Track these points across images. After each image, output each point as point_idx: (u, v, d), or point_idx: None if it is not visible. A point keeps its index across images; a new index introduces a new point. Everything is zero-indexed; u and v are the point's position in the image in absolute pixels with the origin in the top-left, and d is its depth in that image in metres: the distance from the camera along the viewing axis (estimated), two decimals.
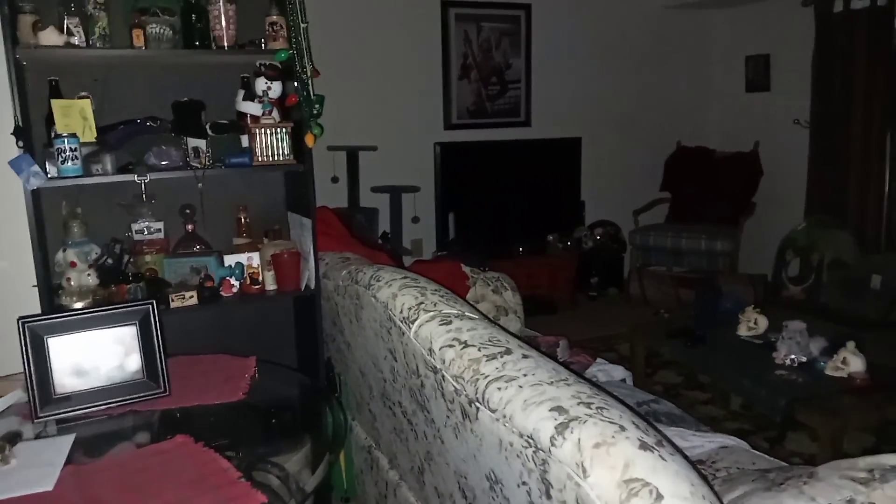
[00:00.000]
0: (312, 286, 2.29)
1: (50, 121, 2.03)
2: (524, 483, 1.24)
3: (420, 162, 4.53)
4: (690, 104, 5.33)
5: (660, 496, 0.99)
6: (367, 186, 4.32)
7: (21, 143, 1.90)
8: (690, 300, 3.95)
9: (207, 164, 2.16)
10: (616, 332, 3.99)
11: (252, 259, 2.32)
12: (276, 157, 2.23)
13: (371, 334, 1.97)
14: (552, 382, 1.26)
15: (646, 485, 1.00)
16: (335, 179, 4.24)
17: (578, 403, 1.17)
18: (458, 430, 1.49)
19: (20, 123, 1.90)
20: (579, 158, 4.86)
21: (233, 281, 2.26)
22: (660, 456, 1.05)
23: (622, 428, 1.09)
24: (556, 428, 1.11)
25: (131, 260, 2.22)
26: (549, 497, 1.16)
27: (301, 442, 1.53)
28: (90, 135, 2.05)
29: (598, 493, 1.02)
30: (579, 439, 1.07)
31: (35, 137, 2.04)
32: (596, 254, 4.82)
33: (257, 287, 2.28)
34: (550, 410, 1.15)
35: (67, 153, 1.96)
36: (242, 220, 2.42)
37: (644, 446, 1.05)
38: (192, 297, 2.16)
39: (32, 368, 1.51)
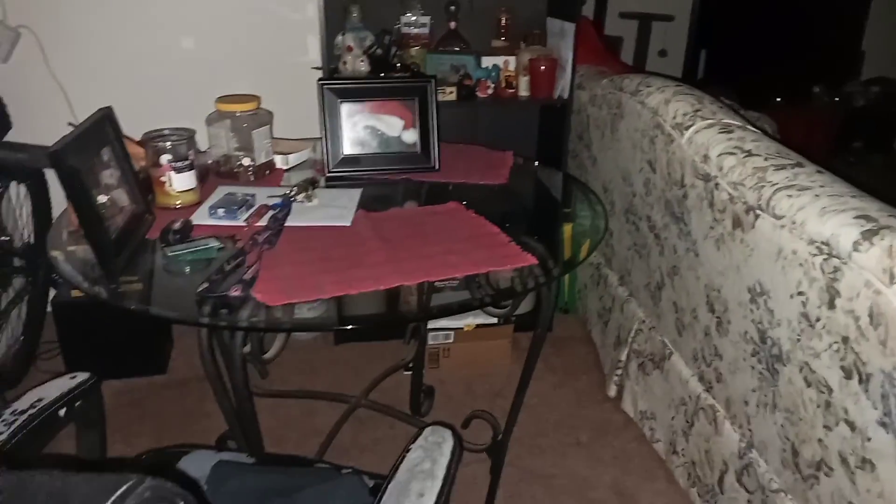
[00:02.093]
0: (566, 96, 2.26)
1: None
2: (800, 293, 1.18)
3: None
4: None
5: None
6: (614, 11, 4.06)
7: None
8: None
9: None
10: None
11: (508, 63, 2.32)
12: None
13: (627, 146, 1.92)
14: (854, 195, 1.16)
15: None
16: (582, 1, 4.02)
17: (889, 216, 1.06)
18: (721, 241, 1.45)
19: None
20: (868, 1, 4.14)
21: (489, 82, 2.29)
22: None
23: None
24: (861, 234, 1.03)
25: (398, 52, 2.32)
26: (831, 307, 1.10)
27: (558, 228, 1.58)
28: None
29: None
30: (891, 245, 0.98)
31: None
32: (866, 114, 4.22)
33: (511, 91, 2.30)
34: (856, 218, 1.07)
35: None
36: (503, 21, 2.40)
37: None
38: (451, 92, 2.23)
39: (327, 128, 1.67)
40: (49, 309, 2.28)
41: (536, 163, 1.95)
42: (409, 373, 2.06)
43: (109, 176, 1.26)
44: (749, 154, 1.38)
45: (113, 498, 0.42)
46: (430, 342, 2.24)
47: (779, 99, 4.13)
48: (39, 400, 1.04)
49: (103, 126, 1.25)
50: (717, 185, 1.43)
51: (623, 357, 2.12)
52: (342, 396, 1.90)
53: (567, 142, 2.33)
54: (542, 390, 2.20)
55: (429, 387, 2.11)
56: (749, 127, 1.54)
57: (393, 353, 2.28)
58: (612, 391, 2.17)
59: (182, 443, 1.92)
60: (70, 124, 1.52)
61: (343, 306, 1.15)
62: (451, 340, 2.27)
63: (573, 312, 2.65)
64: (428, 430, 0.99)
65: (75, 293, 2.12)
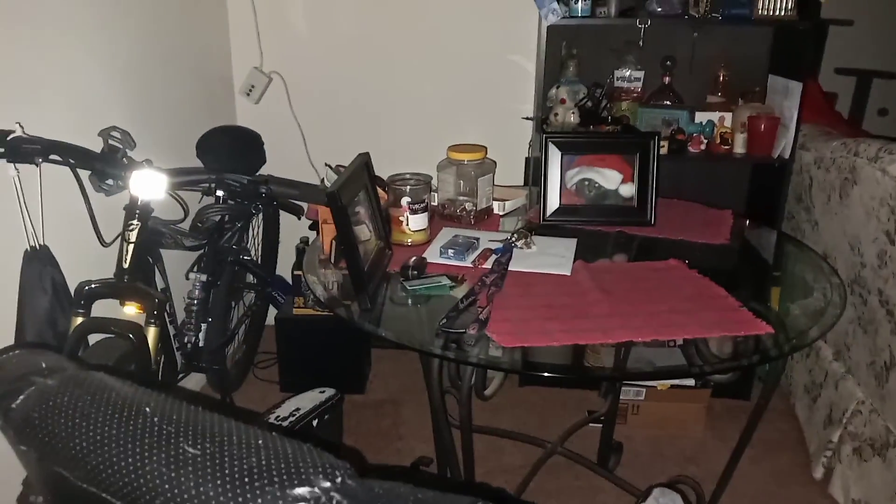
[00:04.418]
0: (787, 155, 2.16)
1: None
2: None
3: None
4: None
5: None
6: (829, 66, 3.82)
7: None
8: None
9: (706, 13, 2.12)
10: None
11: (724, 119, 2.28)
12: (777, 12, 2.08)
13: (860, 213, 1.81)
14: None
15: None
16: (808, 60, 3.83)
17: None
18: None
19: None
20: None
21: (702, 138, 2.26)
22: None
23: None
24: None
25: (608, 105, 2.36)
26: None
27: (790, 298, 1.51)
28: None
29: None
30: None
31: None
32: None
33: (726, 147, 2.24)
34: None
35: None
36: (721, 77, 2.36)
37: None
38: (663, 146, 2.23)
39: (547, 178, 1.74)
40: (271, 323, 2.53)
41: (748, 222, 1.88)
42: (599, 425, 2.04)
43: (362, 213, 1.41)
44: None
45: None
46: (620, 398, 2.21)
47: None
48: (297, 409, 1.18)
49: (362, 170, 1.40)
50: None
51: (835, 438, 1.95)
52: (538, 440, 1.93)
53: (784, 203, 2.22)
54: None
55: (618, 442, 2.08)
56: None
57: (575, 402, 2.28)
58: (819, 473, 2.00)
59: (379, 462, 2.05)
60: (327, 165, 1.72)
61: (533, 352, 1.18)
62: (641, 398, 2.22)
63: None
64: (658, 492, 0.98)
65: (297, 311, 2.34)
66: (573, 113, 2.32)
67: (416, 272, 1.39)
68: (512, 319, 1.24)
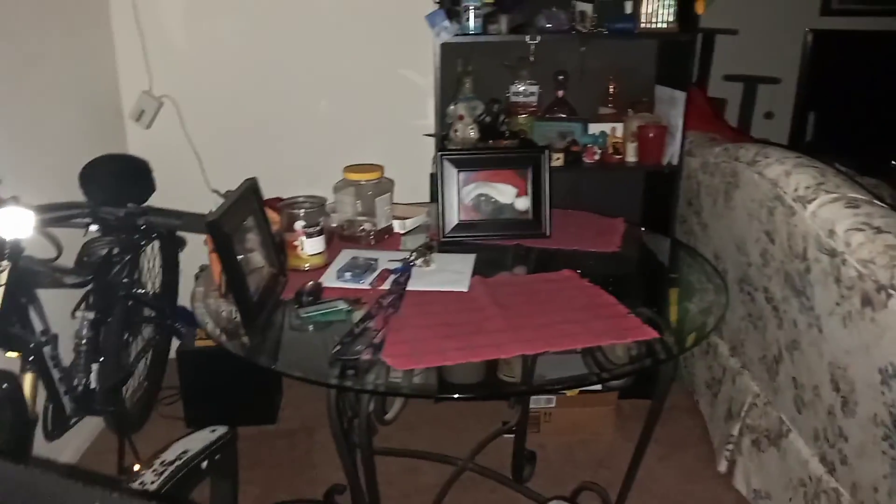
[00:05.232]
0: (675, 162, 2.26)
1: None
2: None
3: (785, 51, 4.07)
4: None
5: None
6: (718, 73, 4.03)
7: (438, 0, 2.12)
8: None
9: (591, 28, 2.19)
10: None
11: (616, 129, 2.35)
12: (659, 25, 2.17)
13: (742, 215, 1.90)
14: None
15: None
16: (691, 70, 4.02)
17: None
18: (849, 319, 1.40)
19: None
20: None
21: (596, 148, 2.32)
22: None
23: None
24: None
25: (506, 120, 2.40)
26: None
27: (677, 300, 1.57)
28: None
29: None
30: None
31: None
32: None
33: (618, 157, 2.32)
34: None
35: (471, 11, 2.13)
36: (611, 89, 2.45)
37: None
38: (558, 158, 2.28)
39: (443, 195, 1.75)
40: (173, 357, 2.43)
41: (643, 229, 1.95)
42: (511, 436, 2.05)
43: (252, 240, 1.37)
44: (879, 231, 1.34)
45: None
46: (532, 406, 2.23)
47: (894, 163, 3.94)
48: (185, 452, 1.12)
49: (249, 196, 1.36)
50: (844, 261, 1.39)
51: (735, 431, 2.04)
52: (449, 458, 1.92)
53: (676, 208, 2.32)
54: (647, 462, 2.10)
55: (531, 452, 2.10)
56: (876, 202, 1.49)
57: (490, 413, 2.29)
58: (723, 467, 2.08)
59: (292, 494, 1.99)
60: (214, 191, 1.66)
61: (447, 369, 1.18)
62: (552, 405, 2.26)
63: (678, 380, 2.58)
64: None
65: (199, 343, 2.26)
66: (472, 129, 2.34)
67: (310, 298, 1.36)
68: (407, 341, 1.23)
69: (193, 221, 1.35)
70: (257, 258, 1.40)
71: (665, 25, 2.17)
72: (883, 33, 3.97)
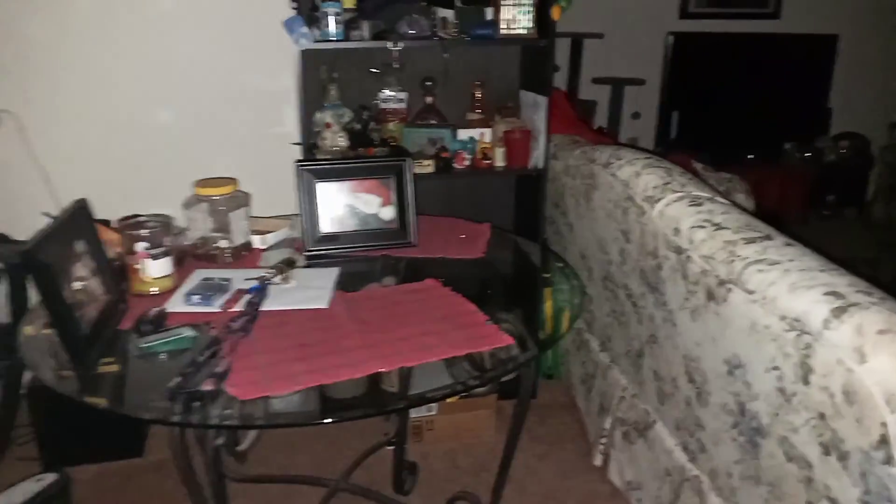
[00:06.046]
0: (541, 165, 2.30)
1: None
2: (775, 368, 1.19)
3: (648, 53, 4.26)
4: None
5: None
6: (587, 77, 4.18)
7: (295, 5, 2.05)
8: None
9: (453, 34, 2.19)
10: (852, 255, 3.61)
11: (484, 135, 2.37)
12: (519, 31, 2.21)
13: (601, 215, 1.95)
14: (824, 270, 1.18)
15: None
16: (556, 68, 4.12)
17: (857, 291, 1.08)
18: (696, 313, 1.46)
19: None
20: (832, 59, 4.30)
21: (465, 154, 2.33)
22: None
23: None
24: (831, 311, 1.04)
25: (376, 126, 2.37)
26: (806, 383, 1.11)
27: (536, 302, 1.59)
28: (350, 1, 2.16)
29: (876, 380, 0.95)
30: (861, 324, 1.00)
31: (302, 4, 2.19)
32: (837, 169, 4.32)
33: (487, 162, 2.34)
34: (825, 294, 1.08)
35: (331, 17, 2.08)
36: (477, 95, 2.46)
37: None
38: (429, 165, 2.27)
39: (305, 207, 1.69)
40: (23, 393, 2.23)
41: (505, 231, 1.97)
42: (392, 448, 2.02)
43: (83, 267, 1.26)
44: (719, 227, 1.41)
45: None
46: (413, 415, 2.21)
47: (751, 156, 4.23)
48: None
49: (77, 218, 1.25)
50: (689, 257, 1.45)
51: (607, 425, 2.10)
52: (321, 480, 1.86)
53: (543, 211, 2.36)
54: (527, 462, 2.17)
55: (412, 463, 2.08)
56: (718, 198, 1.57)
57: (375, 427, 2.25)
58: (598, 460, 2.14)
59: None
60: (45, 214, 1.53)
61: (322, 389, 1.13)
62: (434, 413, 2.24)
63: (558, 377, 2.64)
64: None
65: None
66: (341, 136, 2.29)
67: (151, 326, 1.27)
68: (256, 367, 1.16)
69: (4, 252, 1.23)
70: (92, 285, 1.29)
71: (525, 31, 2.21)
72: (735, 35, 4.25)
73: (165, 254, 1.44)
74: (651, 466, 1.84)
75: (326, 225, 1.71)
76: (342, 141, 2.29)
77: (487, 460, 2.18)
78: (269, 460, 2.18)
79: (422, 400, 1.33)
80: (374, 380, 1.15)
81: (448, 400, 2.23)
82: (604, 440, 2.11)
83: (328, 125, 2.29)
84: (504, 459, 1.52)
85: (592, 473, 2.12)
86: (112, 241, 1.45)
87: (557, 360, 2.64)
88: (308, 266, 1.63)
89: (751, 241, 1.32)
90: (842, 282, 1.12)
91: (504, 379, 2.15)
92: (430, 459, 2.18)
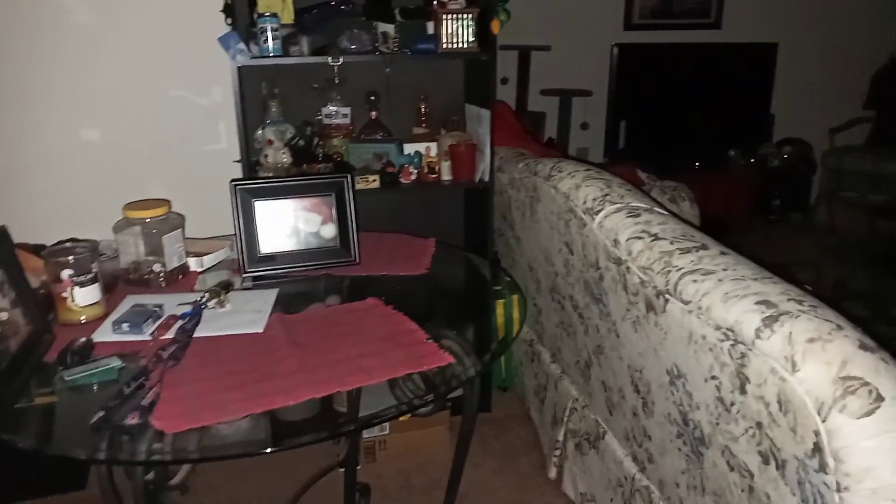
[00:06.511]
0: (487, 178, 2.30)
1: (252, 2, 2.13)
2: (713, 377, 1.19)
3: (594, 64, 4.33)
4: None
5: (880, 397, 0.91)
6: (535, 89, 4.22)
7: (230, 21, 2.01)
8: (888, 232, 3.56)
9: (395, 49, 2.18)
10: (796, 260, 3.70)
11: (430, 149, 2.36)
12: (460, 45, 2.20)
13: (546, 227, 1.95)
14: (756, 279, 1.19)
15: (865, 384, 0.92)
16: (504, 80, 4.16)
17: (788, 300, 1.09)
18: (638, 324, 1.46)
19: (230, 1, 2.00)
20: (773, 67, 4.43)
21: (411, 169, 2.31)
22: (881, 358, 0.96)
23: (839, 327, 1.01)
24: (762, 321, 1.05)
25: (320, 142, 2.34)
26: (743, 392, 1.11)
27: (479, 318, 1.57)
28: (288, 16, 2.13)
29: (807, 389, 0.96)
30: (791, 333, 1.00)
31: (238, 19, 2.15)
32: (781, 174, 4.44)
33: (434, 176, 2.33)
34: (757, 304, 1.09)
35: (269, 33, 2.05)
36: (422, 109, 2.45)
37: (864, 346, 0.97)
38: (374, 180, 2.25)
39: (242, 228, 1.65)
40: None
41: (447, 245, 1.96)
42: (343, 470, 1.98)
43: (2, 298, 1.20)
44: (656, 238, 1.41)
45: None
46: (366, 435, 2.17)
47: (697, 163, 4.31)
48: None
49: None
50: (628, 268, 1.45)
51: (560, 437, 2.09)
52: None
53: (492, 224, 2.36)
54: (482, 477, 2.15)
55: (364, 485, 2.03)
56: (657, 209, 1.58)
57: (327, 448, 2.20)
58: (553, 473, 2.13)
59: None
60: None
61: (270, 413, 1.09)
62: (386, 432, 2.21)
63: (512, 389, 2.62)
64: None
65: None
66: (284, 153, 2.26)
67: (77, 357, 1.21)
68: (185, 397, 1.12)
69: None
70: (13, 316, 1.23)
71: (466, 45, 2.20)
72: (679, 45, 4.34)
73: (93, 280, 1.38)
74: (603, 477, 1.84)
75: (265, 245, 1.67)
76: (285, 158, 2.26)
77: (442, 478, 2.14)
78: (216, 487, 2.11)
79: (371, 422, 1.30)
80: (325, 400, 1.12)
81: (401, 418, 2.20)
82: (557, 452, 2.10)
83: (270, 142, 2.25)
84: (452, 478, 1.49)
85: (547, 486, 2.11)
86: (37, 269, 1.39)
87: (511, 373, 2.63)
88: (248, 288, 1.59)
89: (686, 251, 1.33)
90: (774, 290, 1.13)
91: (451, 396, 2.15)
92: (383, 479, 2.15)
